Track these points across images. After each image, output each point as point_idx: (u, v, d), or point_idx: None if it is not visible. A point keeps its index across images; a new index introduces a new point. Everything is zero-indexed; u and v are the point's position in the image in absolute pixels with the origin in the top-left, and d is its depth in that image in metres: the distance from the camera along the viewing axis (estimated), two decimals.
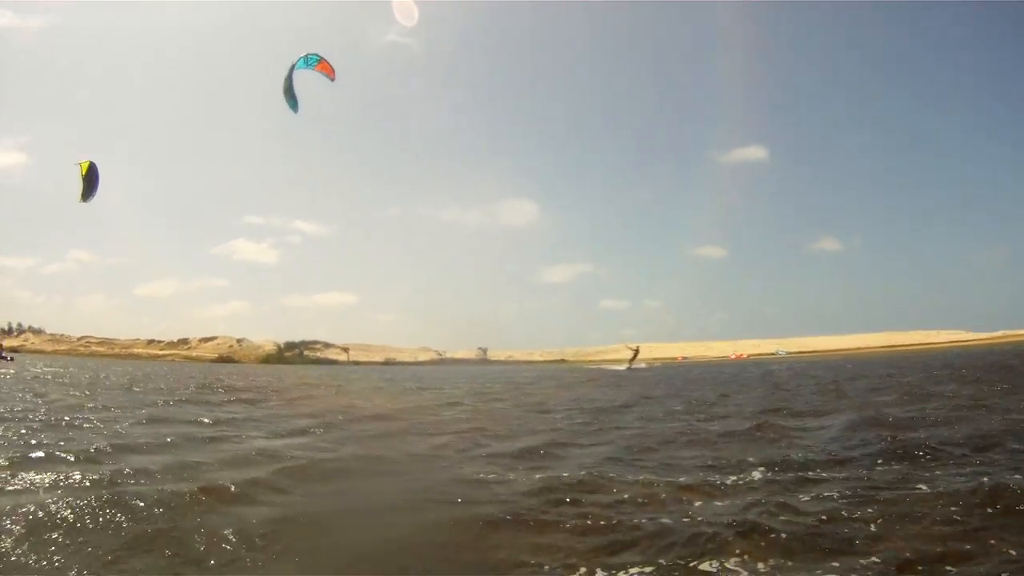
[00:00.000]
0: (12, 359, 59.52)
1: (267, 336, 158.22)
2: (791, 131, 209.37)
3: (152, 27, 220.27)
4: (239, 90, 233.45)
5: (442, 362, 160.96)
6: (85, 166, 17.94)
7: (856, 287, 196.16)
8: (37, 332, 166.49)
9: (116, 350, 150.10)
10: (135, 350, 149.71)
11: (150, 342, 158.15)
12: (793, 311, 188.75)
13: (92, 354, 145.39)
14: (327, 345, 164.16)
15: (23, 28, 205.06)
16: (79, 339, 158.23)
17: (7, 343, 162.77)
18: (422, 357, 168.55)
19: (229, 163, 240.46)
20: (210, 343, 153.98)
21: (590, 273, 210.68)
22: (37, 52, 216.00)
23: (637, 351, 48.67)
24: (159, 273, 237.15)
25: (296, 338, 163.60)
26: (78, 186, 17.93)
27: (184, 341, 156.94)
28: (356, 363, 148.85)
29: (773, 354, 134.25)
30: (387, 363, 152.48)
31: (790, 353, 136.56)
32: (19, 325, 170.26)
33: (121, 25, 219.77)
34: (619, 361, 56.16)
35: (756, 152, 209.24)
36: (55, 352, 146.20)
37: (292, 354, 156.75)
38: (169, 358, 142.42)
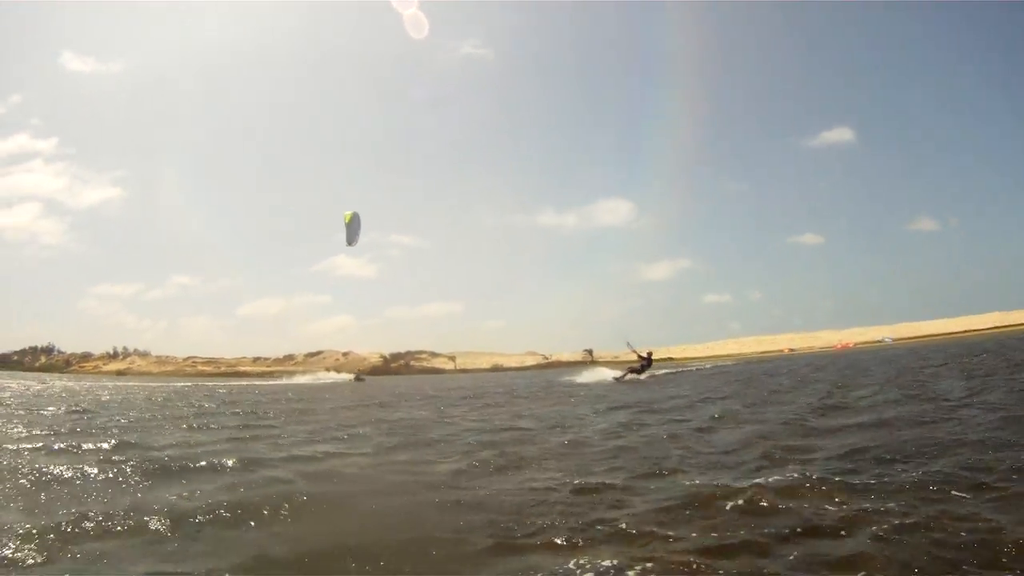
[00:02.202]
0: None
1: (373, 348, 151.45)
2: (877, 110, 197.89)
3: (234, 59, 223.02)
4: (326, 110, 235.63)
5: (548, 366, 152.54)
6: (348, 216, 21.14)
7: (957, 267, 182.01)
8: (143, 355, 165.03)
9: (222, 369, 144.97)
10: (241, 368, 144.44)
11: (256, 359, 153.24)
12: (895, 295, 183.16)
13: (199, 373, 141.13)
14: (433, 354, 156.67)
15: (105, 72, 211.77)
16: (185, 359, 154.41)
17: (113, 367, 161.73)
18: (529, 362, 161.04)
19: (322, 183, 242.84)
20: (316, 357, 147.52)
21: (690, 268, 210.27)
22: (120, 93, 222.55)
23: (648, 357, 31.47)
24: (261, 293, 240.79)
25: (403, 349, 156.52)
26: (344, 232, 21.03)
27: (290, 357, 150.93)
28: (463, 371, 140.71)
29: (879, 341, 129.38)
30: (494, 369, 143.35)
31: (897, 340, 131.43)
32: (124, 349, 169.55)
33: (204, 58, 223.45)
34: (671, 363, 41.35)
35: (842, 134, 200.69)
36: (161, 373, 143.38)
37: (398, 365, 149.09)
38: (277, 374, 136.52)
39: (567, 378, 33.11)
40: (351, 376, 63.51)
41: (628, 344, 30.64)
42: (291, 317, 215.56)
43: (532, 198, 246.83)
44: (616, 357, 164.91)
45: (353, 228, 20.84)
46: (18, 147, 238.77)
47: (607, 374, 30.93)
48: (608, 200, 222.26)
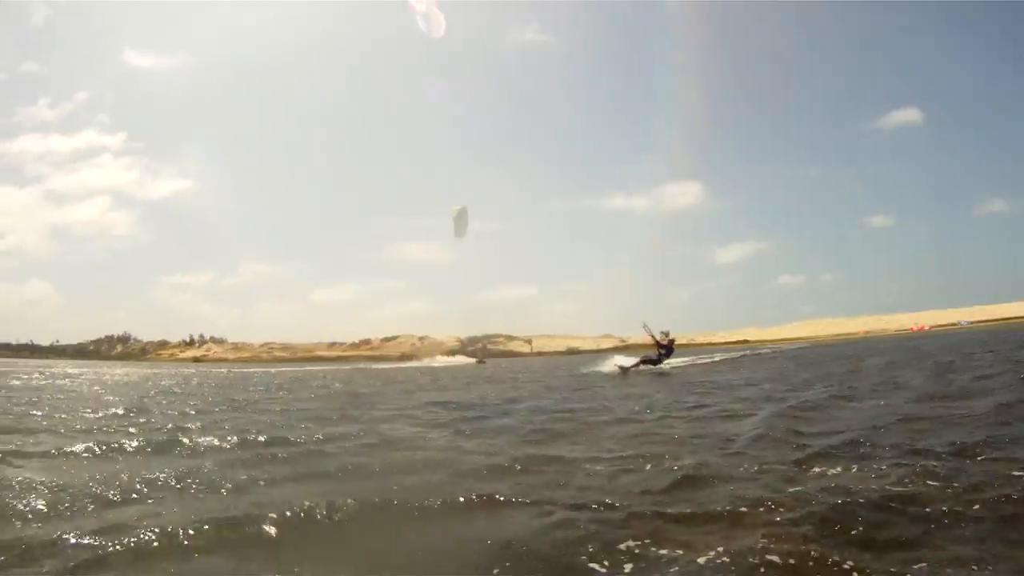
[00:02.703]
0: None
1: (450, 332, 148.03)
2: (944, 91, 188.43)
3: (299, 47, 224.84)
4: (396, 98, 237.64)
5: (625, 348, 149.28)
6: (456, 210, 21.27)
7: None
8: (219, 342, 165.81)
9: (299, 354, 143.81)
10: (318, 353, 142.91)
11: (331, 344, 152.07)
12: (967, 277, 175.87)
13: (275, 359, 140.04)
14: (510, 337, 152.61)
15: (167, 67, 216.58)
16: (261, 345, 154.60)
17: (190, 354, 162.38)
18: (605, 344, 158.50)
19: (393, 169, 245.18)
20: (392, 342, 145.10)
21: (763, 251, 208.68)
22: (184, 86, 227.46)
23: (669, 344, 25.47)
24: (334, 279, 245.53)
25: (479, 332, 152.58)
26: (453, 226, 21.41)
27: (366, 342, 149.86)
28: (540, 353, 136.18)
29: (955, 324, 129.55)
30: (569, 352, 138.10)
31: (973, 323, 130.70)
32: (200, 336, 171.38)
33: (268, 47, 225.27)
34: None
35: (910, 115, 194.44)
36: (238, 359, 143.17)
37: (476, 348, 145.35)
38: (353, 359, 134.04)
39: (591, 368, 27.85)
40: (473, 360, 68.11)
41: (645, 327, 25.01)
42: (364, 302, 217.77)
43: (602, 182, 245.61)
44: (692, 340, 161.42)
45: (461, 221, 21.19)
46: (86, 143, 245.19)
47: (624, 363, 25.51)
48: (678, 183, 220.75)
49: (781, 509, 4.10)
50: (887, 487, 4.48)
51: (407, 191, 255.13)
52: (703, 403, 10.92)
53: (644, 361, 24.53)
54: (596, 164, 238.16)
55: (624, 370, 23.92)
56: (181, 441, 7.35)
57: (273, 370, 48.98)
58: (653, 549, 3.56)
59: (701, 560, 3.36)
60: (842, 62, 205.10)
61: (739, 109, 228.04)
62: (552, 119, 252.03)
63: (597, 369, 25.94)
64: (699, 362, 30.79)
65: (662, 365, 24.62)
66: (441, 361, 64.86)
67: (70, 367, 55.09)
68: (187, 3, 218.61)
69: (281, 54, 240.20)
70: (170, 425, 9.21)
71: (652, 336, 24.60)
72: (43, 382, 23.97)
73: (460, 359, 69.57)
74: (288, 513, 4.08)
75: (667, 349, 24.86)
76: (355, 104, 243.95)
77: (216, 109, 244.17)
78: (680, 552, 3.49)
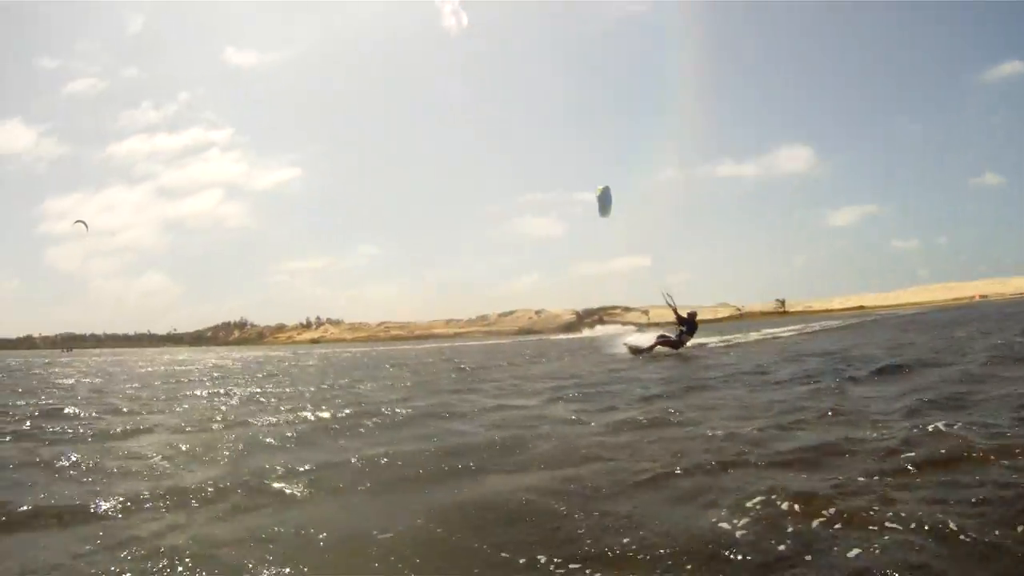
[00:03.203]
0: None
1: (565, 305, 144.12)
2: None
3: (407, 32, 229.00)
4: (505, 80, 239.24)
5: (741, 317, 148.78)
6: (600, 189, 21.18)
7: None
8: (336, 323, 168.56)
9: (416, 332, 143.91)
10: (435, 331, 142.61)
11: (448, 322, 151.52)
12: None
13: (392, 338, 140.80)
14: (626, 309, 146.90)
15: (268, 63, 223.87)
16: (378, 325, 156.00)
17: (307, 336, 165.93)
18: (722, 314, 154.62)
19: (502, 144, 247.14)
20: (509, 317, 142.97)
21: (875, 214, 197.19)
22: (285, 80, 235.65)
23: (691, 318, 20.56)
24: (449, 257, 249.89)
25: (594, 304, 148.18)
26: (596, 205, 21.26)
27: (483, 318, 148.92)
28: (656, 324, 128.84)
29: None
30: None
31: None
32: (317, 318, 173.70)
33: (377, 35, 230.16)
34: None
35: (1016, 67, 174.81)
36: (355, 339, 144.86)
37: (592, 320, 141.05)
38: (471, 335, 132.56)
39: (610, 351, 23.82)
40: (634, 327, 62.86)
41: (666, 297, 21.26)
42: (480, 278, 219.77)
43: (711, 149, 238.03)
44: (808, 307, 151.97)
45: (605, 200, 21.19)
46: (193, 140, 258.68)
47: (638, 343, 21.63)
48: (787, 147, 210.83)
49: None
50: None
51: (519, 168, 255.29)
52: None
53: (663, 342, 20.49)
54: (705, 130, 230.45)
55: (638, 352, 20.39)
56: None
57: (392, 348, 56.18)
58: None
59: None
60: (945, 13, 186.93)
61: (844, 65, 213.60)
62: (657, 87, 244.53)
63: (614, 351, 22.25)
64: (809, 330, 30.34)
65: (686, 345, 20.66)
66: (604, 330, 62.72)
67: (204, 354, 60.56)
68: (285, 2, 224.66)
69: (384, 43, 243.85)
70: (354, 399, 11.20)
71: (674, 309, 20.82)
72: (189, 367, 26.55)
73: (616, 327, 67.72)
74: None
75: (689, 326, 20.88)
76: (461, 85, 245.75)
77: (321, 100, 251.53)
78: None
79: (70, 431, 8.02)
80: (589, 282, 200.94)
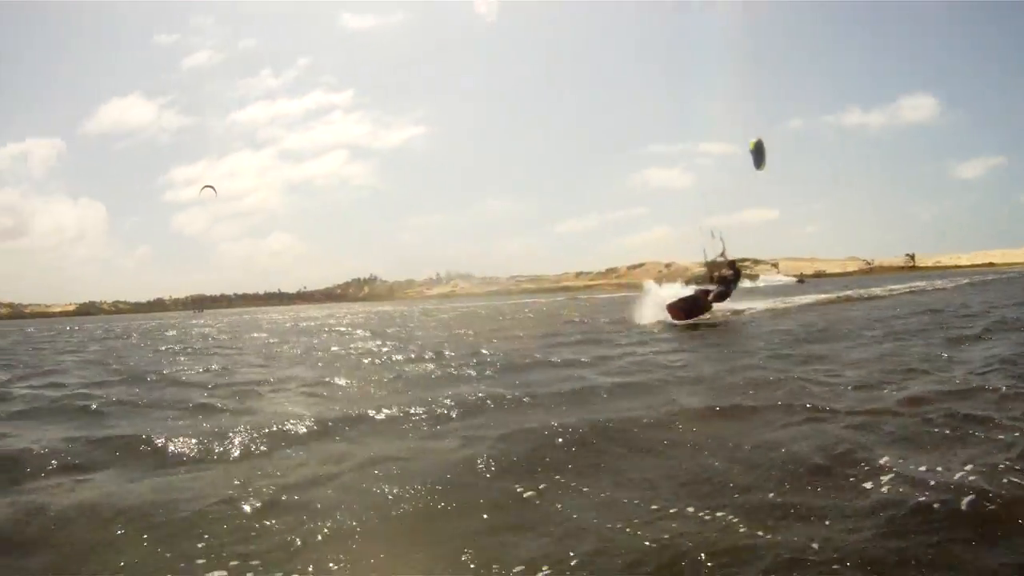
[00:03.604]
0: None
1: (694, 258, 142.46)
2: None
3: None
4: (622, 34, 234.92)
5: (870, 271, 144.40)
6: (753, 143, 20.58)
7: None
8: (466, 277, 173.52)
9: (546, 286, 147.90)
10: (565, 283, 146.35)
11: (578, 274, 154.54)
12: None
13: (523, 291, 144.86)
14: (756, 261, 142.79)
15: (386, 25, 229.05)
16: (508, 279, 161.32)
17: (437, 291, 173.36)
18: (850, 268, 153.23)
19: (624, 95, 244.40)
20: (638, 269, 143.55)
21: (1005, 165, 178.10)
22: (404, 41, 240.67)
23: (734, 270, 17.19)
24: (577, 210, 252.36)
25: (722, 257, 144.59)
26: (750, 159, 20.60)
27: (612, 270, 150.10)
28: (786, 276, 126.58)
29: None
30: (817, 275, 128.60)
31: None
32: (448, 273, 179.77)
33: None
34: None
35: None
36: (486, 293, 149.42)
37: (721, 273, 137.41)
38: (600, 287, 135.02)
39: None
40: (794, 279, 73.20)
41: (719, 238, 17.48)
42: (609, 231, 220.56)
43: (837, 97, 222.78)
44: (938, 263, 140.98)
45: (759, 152, 20.63)
46: (315, 103, 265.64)
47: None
48: (912, 96, 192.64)
49: None
50: None
51: (646, 118, 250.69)
52: None
53: (717, 296, 16.81)
54: (831, 77, 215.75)
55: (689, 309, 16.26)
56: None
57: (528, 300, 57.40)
58: None
59: None
60: None
61: (967, 15, 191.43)
62: (780, 36, 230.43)
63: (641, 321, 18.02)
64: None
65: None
66: (769, 280, 64.21)
67: (337, 309, 65.80)
68: None
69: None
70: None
71: (723, 253, 17.67)
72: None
73: (780, 279, 71.32)
74: None
75: (733, 275, 17.92)
76: (586, 39, 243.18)
77: (442, 59, 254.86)
78: None
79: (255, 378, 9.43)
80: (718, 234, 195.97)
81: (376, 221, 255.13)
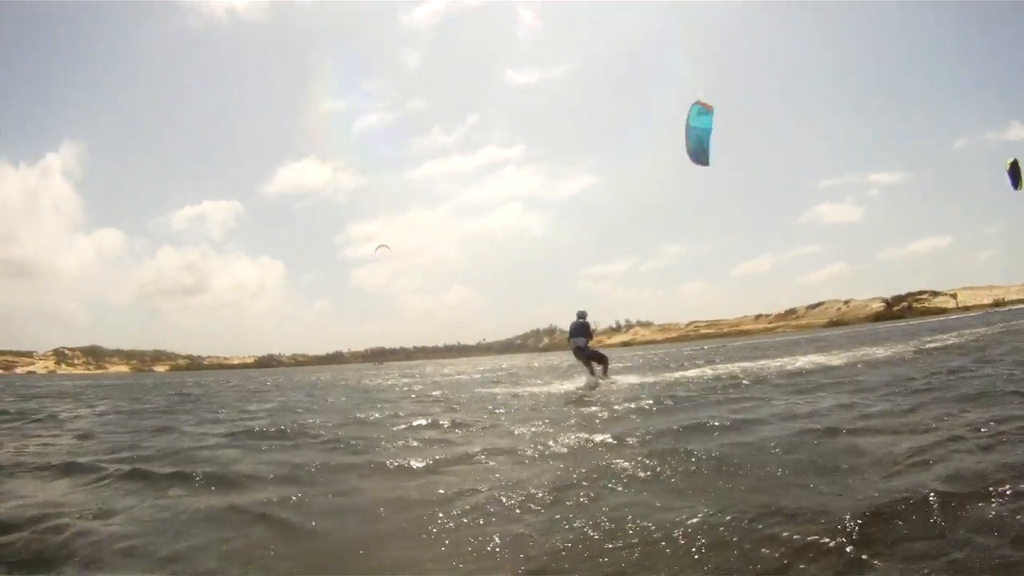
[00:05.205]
0: None
1: (870, 293, 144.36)
2: None
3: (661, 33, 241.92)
4: (782, 67, 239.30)
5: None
6: (1009, 163, 19.85)
7: None
8: (645, 324, 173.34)
9: (724, 330, 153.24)
10: (743, 327, 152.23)
11: (758, 317, 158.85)
12: None
13: (701, 336, 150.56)
14: (934, 294, 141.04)
15: (548, 79, 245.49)
16: (687, 324, 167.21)
17: (617, 339, 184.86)
18: None
19: (786, 133, 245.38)
20: (817, 309, 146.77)
21: None
22: (567, 94, 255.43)
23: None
24: (752, 252, 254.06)
25: (900, 290, 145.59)
26: (1006, 180, 20.04)
27: (792, 311, 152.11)
28: (965, 308, 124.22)
29: None
30: (996, 305, 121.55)
31: None
32: (627, 321, 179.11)
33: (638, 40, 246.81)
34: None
35: None
36: (665, 340, 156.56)
37: (900, 308, 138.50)
38: (780, 330, 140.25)
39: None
40: None
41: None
42: (785, 271, 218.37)
43: (999, 112, 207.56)
44: None
45: (1015, 171, 20.01)
46: (488, 159, 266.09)
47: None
48: None
49: None
50: None
51: (811, 151, 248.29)
52: None
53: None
54: (989, 91, 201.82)
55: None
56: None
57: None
58: None
59: None
60: None
61: None
62: (929, 48, 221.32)
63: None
64: None
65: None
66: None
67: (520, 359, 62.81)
68: (554, 20, 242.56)
69: (664, 35, 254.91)
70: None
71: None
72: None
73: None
74: None
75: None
76: (744, 76, 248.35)
77: (607, 107, 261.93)
78: None
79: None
80: (890, 267, 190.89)
81: (553, 271, 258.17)
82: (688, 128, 14.09)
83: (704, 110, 14.11)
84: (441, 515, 3.92)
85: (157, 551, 3.55)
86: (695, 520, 3.46)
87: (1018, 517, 3.08)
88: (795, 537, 3.10)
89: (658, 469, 4.66)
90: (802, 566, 2.83)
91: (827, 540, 3.02)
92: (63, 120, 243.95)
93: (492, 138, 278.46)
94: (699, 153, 14.21)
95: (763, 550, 3.02)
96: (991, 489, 3.51)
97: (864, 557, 2.87)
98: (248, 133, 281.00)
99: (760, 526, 3.30)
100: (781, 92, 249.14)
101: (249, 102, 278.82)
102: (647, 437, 5.98)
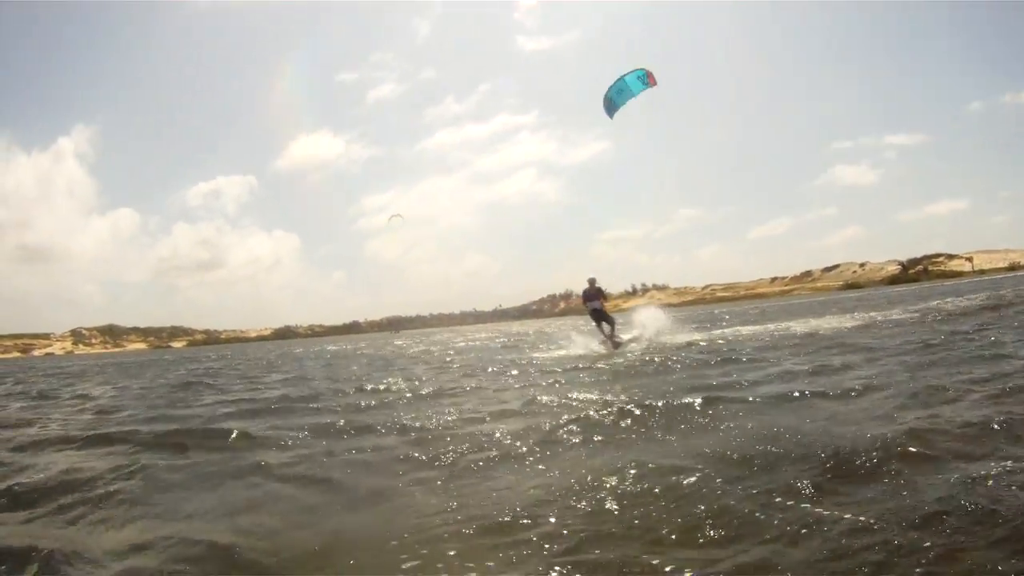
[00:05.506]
0: None
1: (886, 256, 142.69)
2: None
3: None
4: (798, 30, 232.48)
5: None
6: None
7: None
8: (661, 288, 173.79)
9: (741, 292, 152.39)
10: (759, 290, 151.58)
11: (773, 280, 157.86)
12: None
13: (717, 300, 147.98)
14: (950, 256, 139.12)
15: (560, 45, 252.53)
16: (703, 288, 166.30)
17: (632, 303, 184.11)
18: None
19: (802, 95, 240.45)
20: (833, 271, 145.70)
21: None
22: (580, 59, 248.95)
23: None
24: (768, 215, 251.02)
25: (916, 253, 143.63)
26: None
27: (807, 274, 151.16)
28: (981, 272, 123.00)
29: None
30: (1012, 268, 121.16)
31: None
32: (643, 285, 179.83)
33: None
34: None
35: None
36: (681, 303, 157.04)
37: (916, 271, 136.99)
38: (795, 292, 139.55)
39: None
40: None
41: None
42: (801, 234, 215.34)
43: (1014, 74, 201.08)
44: None
45: None
46: (501, 125, 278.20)
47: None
48: None
49: None
50: None
51: (827, 114, 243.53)
52: None
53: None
54: (1003, 52, 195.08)
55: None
56: None
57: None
58: None
59: None
60: None
61: None
62: (958, 8, 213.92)
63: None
64: None
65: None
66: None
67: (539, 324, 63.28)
68: None
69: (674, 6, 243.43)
70: None
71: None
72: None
73: None
74: None
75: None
76: (761, 39, 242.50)
77: (620, 73, 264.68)
78: None
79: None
80: (906, 230, 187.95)
81: (568, 237, 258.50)
82: (620, 80, 14.50)
83: (645, 79, 14.51)
84: (449, 470, 4.27)
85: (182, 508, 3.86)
86: (668, 463, 3.91)
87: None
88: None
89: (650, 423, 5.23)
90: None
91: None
92: (75, 104, 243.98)
93: (505, 105, 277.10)
94: (611, 105, 14.75)
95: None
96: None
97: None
98: (260, 108, 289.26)
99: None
100: (795, 54, 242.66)
101: (260, 77, 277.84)
102: (643, 395, 6.59)
